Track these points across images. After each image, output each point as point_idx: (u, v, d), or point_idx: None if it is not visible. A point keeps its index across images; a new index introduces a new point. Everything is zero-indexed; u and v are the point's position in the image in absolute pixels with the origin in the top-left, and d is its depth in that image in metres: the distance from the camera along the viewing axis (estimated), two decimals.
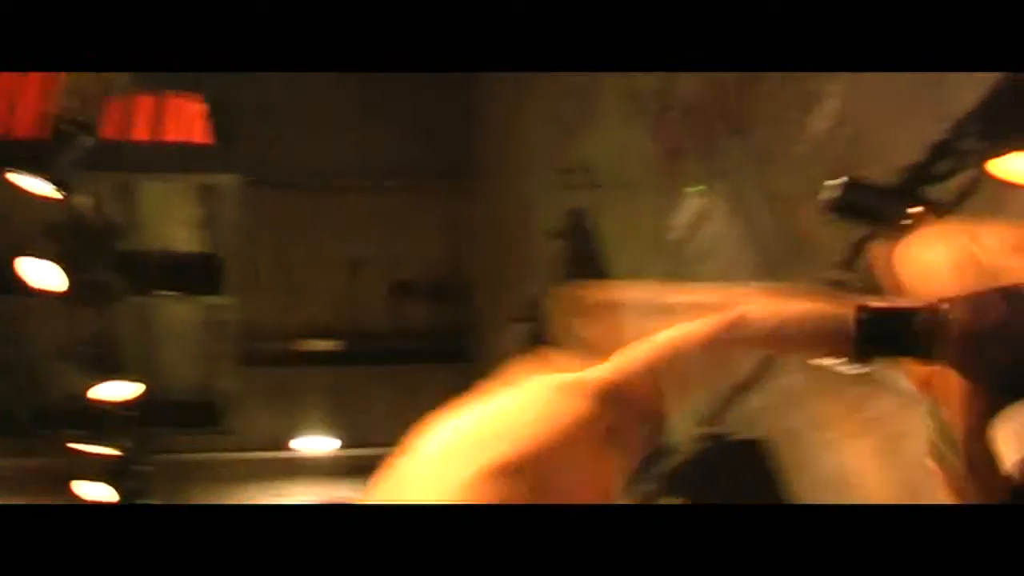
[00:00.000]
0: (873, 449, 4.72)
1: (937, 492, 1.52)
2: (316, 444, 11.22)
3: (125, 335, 8.90)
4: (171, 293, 8.38)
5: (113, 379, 8.31)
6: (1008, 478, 1.74)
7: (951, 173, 4.20)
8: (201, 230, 8.44)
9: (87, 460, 9.18)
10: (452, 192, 12.17)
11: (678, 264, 6.44)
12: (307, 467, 11.42)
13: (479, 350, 11.94)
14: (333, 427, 11.22)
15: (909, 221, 4.05)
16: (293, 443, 11.18)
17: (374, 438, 11.13)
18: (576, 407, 1.36)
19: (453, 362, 12.04)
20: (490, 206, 11.34)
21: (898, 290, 1.84)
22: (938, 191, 4.18)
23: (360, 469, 11.37)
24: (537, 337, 9.95)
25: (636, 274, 7.25)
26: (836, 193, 4.19)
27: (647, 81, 6.86)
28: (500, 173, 10.85)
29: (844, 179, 4.22)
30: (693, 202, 6.19)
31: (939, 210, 4.19)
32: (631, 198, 7.33)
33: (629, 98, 7.18)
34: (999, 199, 4.10)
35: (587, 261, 8.10)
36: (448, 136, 11.68)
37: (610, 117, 7.53)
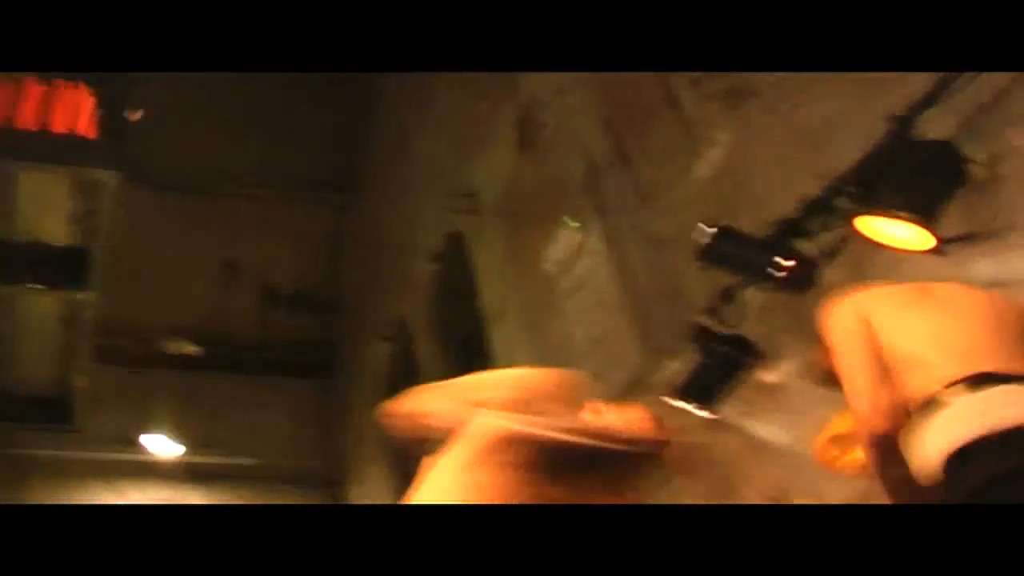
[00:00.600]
0: (708, 490, 4.77)
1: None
2: (162, 447, 11.02)
3: None
4: (36, 285, 8.13)
5: None
6: (916, 477, 1.83)
7: (821, 229, 4.30)
8: (75, 224, 8.22)
9: None
10: (335, 205, 12.08)
11: (551, 296, 6.47)
12: (151, 470, 11.19)
13: (342, 365, 11.85)
14: (182, 432, 11.02)
15: (777, 273, 4.14)
16: (140, 445, 10.97)
17: (222, 446, 10.99)
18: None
19: (314, 376, 11.93)
20: (371, 222, 11.27)
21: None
22: (807, 246, 4.28)
23: (204, 476, 11.19)
24: (399, 358, 9.94)
25: (506, 303, 7.29)
26: (707, 240, 4.27)
27: (539, 111, 6.89)
28: (386, 190, 10.78)
29: (716, 227, 4.29)
30: (570, 236, 6.22)
31: (806, 264, 4.29)
32: (511, 227, 7.35)
33: (518, 127, 7.21)
34: (862, 259, 4.20)
35: (459, 287, 8.11)
36: (339, 149, 11.61)
37: (501, 145, 7.55)
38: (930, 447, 1.80)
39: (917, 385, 1.97)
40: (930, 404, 1.85)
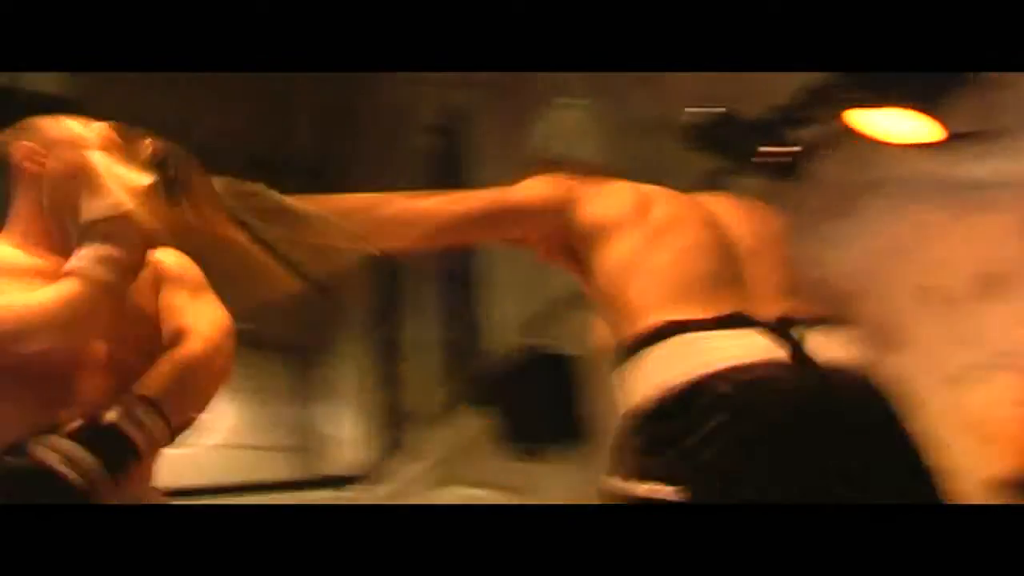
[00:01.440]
0: None
1: None
2: None
3: None
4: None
5: None
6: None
7: (816, 119, 4.09)
8: None
9: None
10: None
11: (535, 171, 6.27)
12: None
13: None
14: None
15: (763, 160, 3.95)
16: None
17: None
18: None
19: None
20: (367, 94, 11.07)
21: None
22: (799, 135, 4.07)
23: None
24: None
25: (496, 174, 7.09)
26: (697, 120, 4.07)
27: None
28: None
29: (707, 108, 4.10)
30: (559, 113, 6.00)
31: (796, 153, 4.10)
32: (504, 103, 7.13)
33: None
34: (859, 151, 4.02)
35: (453, 164, 7.94)
36: None
37: None
38: (647, 380, 1.77)
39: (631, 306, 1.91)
40: (650, 340, 1.80)
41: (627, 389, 1.88)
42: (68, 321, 1.74)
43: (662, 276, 2.00)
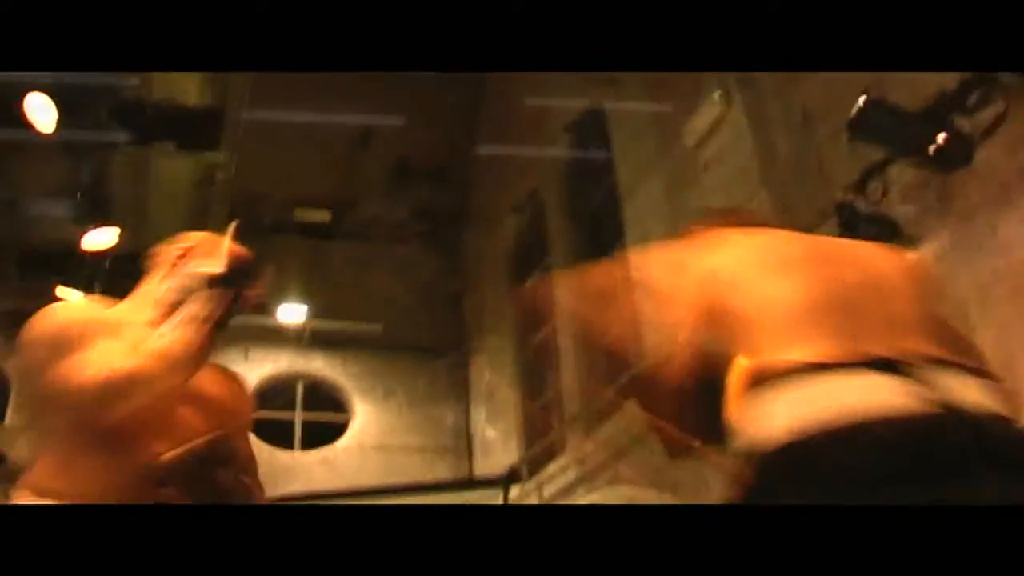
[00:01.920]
0: None
1: None
2: (289, 313, 11.21)
3: (118, 186, 8.74)
4: (170, 146, 8.18)
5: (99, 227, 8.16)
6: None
7: (980, 105, 4.07)
8: (211, 85, 8.22)
9: None
10: (471, 78, 11.95)
11: (689, 170, 6.30)
12: (278, 334, 11.39)
13: (470, 237, 11.84)
14: (309, 298, 11.17)
15: (931, 147, 3.93)
16: (268, 310, 11.16)
17: (347, 313, 11.09)
18: None
19: (438, 247, 11.94)
20: (506, 95, 11.13)
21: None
22: (964, 122, 4.05)
23: (328, 342, 11.36)
24: (527, 230, 9.89)
25: (641, 177, 7.13)
26: (860, 110, 4.06)
27: None
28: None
29: (870, 98, 4.08)
30: (712, 108, 6.01)
31: (962, 140, 4.07)
32: (651, 99, 7.15)
33: None
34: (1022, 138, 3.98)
35: (594, 159, 7.97)
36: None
37: None
38: (777, 419, 1.71)
39: (760, 348, 1.86)
40: (781, 377, 1.75)
41: (754, 425, 1.83)
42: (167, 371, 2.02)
43: (795, 315, 1.96)
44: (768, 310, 1.94)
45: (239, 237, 2.36)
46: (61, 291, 7.98)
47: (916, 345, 1.81)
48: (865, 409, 1.69)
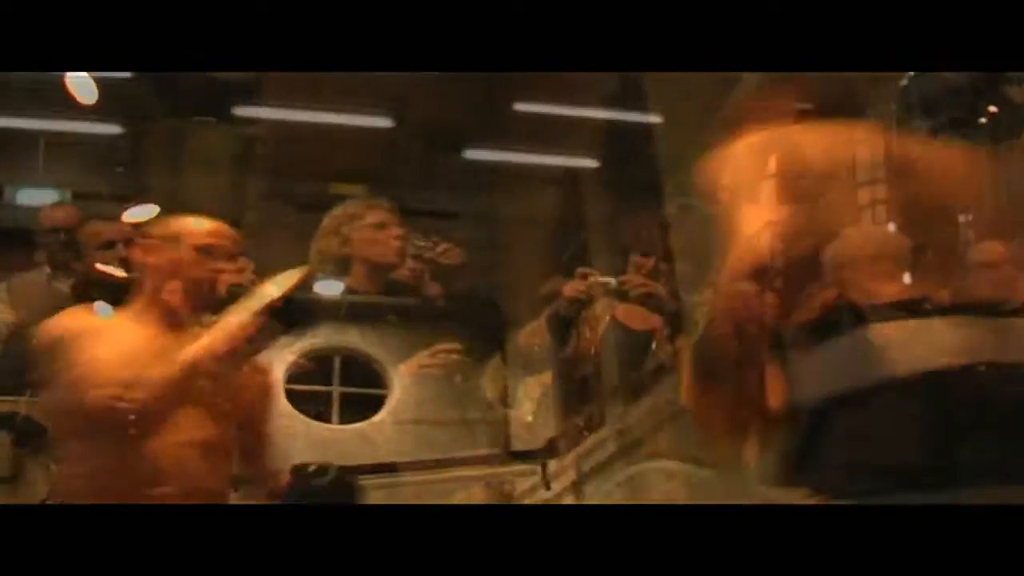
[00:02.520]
0: None
1: None
2: (325, 287, 11.22)
3: (154, 159, 8.78)
4: (206, 118, 8.20)
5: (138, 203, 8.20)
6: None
7: None
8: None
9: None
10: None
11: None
12: (314, 308, 11.41)
13: (505, 211, 11.82)
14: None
15: (983, 120, 3.87)
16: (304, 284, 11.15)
17: None
18: None
19: (476, 221, 11.93)
20: None
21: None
22: (1019, 94, 3.97)
23: (365, 316, 11.37)
24: (564, 203, 9.87)
25: (685, 150, 7.06)
26: (905, 81, 4.00)
27: None
28: None
29: (914, 72, 4.02)
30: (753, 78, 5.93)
31: (1012, 112, 4.00)
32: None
33: None
34: None
35: (635, 130, 7.91)
36: None
37: None
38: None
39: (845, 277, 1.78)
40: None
41: (810, 373, 1.75)
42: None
43: (852, 243, 1.88)
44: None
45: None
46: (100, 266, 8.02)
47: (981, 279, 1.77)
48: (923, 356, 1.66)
